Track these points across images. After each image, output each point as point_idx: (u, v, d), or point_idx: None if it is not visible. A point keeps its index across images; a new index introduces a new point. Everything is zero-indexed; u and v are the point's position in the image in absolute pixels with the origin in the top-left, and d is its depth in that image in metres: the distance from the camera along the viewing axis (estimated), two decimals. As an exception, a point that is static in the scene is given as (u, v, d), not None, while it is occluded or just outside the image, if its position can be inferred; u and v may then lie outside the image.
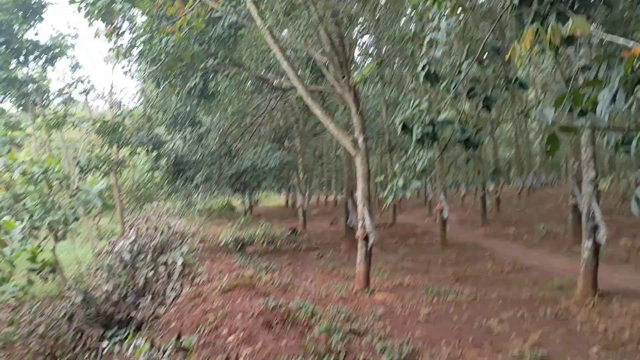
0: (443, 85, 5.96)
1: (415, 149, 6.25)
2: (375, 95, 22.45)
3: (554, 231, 18.39)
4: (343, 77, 10.73)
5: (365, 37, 14.58)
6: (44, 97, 16.26)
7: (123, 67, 13.49)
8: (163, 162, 17.06)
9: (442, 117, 5.97)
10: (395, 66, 12.95)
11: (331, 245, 19.43)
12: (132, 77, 15.43)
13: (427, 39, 5.79)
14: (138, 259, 11.76)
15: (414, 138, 5.90)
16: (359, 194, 10.89)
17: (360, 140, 10.82)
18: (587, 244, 9.30)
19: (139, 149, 15.23)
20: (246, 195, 25.52)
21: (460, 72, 5.94)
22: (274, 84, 17.62)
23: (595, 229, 9.17)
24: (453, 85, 5.88)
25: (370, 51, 10.33)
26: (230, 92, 18.91)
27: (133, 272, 11.61)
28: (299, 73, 20.82)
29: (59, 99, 17.47)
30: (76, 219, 7.69)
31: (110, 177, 17.53)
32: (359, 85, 11.04)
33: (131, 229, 13.31)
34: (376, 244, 11.43)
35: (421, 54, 5.98)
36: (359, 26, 13.60)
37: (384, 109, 25.23)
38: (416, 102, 6.07)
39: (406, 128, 6.08)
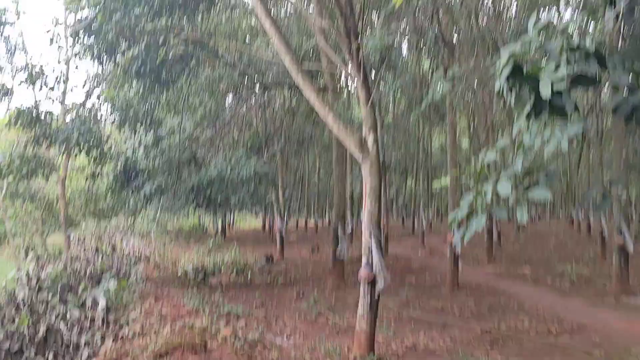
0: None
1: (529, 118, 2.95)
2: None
3: (584, 275, 15.26)
4: (350, 49, 7.48)
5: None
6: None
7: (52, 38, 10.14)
8: (109, 167, 13.65)
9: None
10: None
11: (314, 280, 15.97)
12: (69, 53, 11.88)
13: None
14: (41, 298, 8.21)
15: (545, 92, 2.62)
16: (366, 217, 7.58)
17: (370, 140, 7.57)
18: None
19: (74, 149, 11.74)
20: (217, 214, 21.95)
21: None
22: (254, 80, 14.42)
23: None
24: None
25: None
26: (199, 88, 15.61)
27: (35, 316, 8.06)
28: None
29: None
30: None
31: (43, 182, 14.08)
32: (371, 61, 7.84)
33: (27, 256, 9.76)
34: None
35: None
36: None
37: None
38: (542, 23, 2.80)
39: (519, 74, 2.79)
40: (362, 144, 7.53)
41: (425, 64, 23.46)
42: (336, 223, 14.42)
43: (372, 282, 7.51)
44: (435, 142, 40.73)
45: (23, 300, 7.83)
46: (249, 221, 52.15)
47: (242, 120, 17.94)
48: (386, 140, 26.23)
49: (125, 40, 9.51)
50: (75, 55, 11.28)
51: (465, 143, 41.11)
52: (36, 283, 8.22)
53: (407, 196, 43.20)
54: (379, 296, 7.60)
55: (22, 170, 11.72)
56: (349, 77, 7.89)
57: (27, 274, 8.39)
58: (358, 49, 7.39)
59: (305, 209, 47.56)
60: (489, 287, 14.25)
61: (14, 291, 8.01)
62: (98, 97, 13.57)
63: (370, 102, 7.56)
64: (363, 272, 7.51)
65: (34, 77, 13.05)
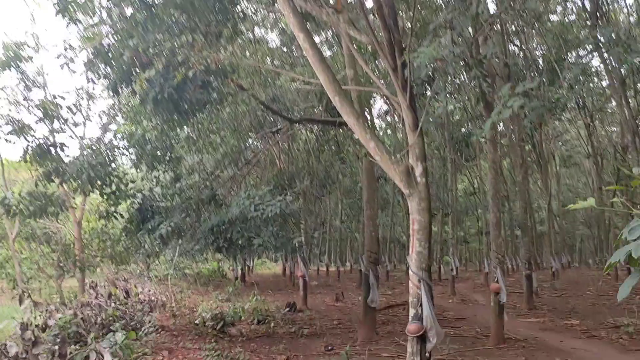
0: None
1: None
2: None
3: (641, 327, 13.76)
4: (394, 68, 6.56)
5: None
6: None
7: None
8: (124, 206, 12.81)
9: None
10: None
11: (342, 330, 14.71)
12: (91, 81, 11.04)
13: None
14: (36, 352, 7.16)
15: None
16: (414, 261, 6.47)
17: (418, 171, 6.54)
18: None
19: (85, 185, 10.90)
20: (237, 259, 20.87)
21: None
22: (280, 113, 13.65)
23: None
24: None
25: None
26: (221, 125, 14.90)
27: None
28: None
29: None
30: None
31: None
32: (419, 81, 6.92)
33: (22, 303, 8.79)
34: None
35: None
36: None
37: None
38: None
39: None
40: (409, 175, 6.51)
41: (449, 102, 22.62)
42: (367, 268, 13.25)
43: (423, 336, 6.35)
44: (459, 187, 39.65)
45: (16, 355, 6.78)
46: (268, 267, 50.95)
47: (265, 159, 17.17)
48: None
49: (142, 69, 8.75)
50: (89, 82, 10.58)
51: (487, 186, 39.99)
52: (32, 335, 7.16)
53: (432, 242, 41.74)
54: (430, 355, 6.41)
55: (30, 209, 10.93)
56: (391, 100, 6.93)
57: (22, 325, 7.36)
58: (404, 65, 6.47)
59: (327, 254, 46.43)
60: (538, 341, 12.83)
61: (6, 345, 6.98)
62: (114, 134, 12.87)
63: (418, 127, 6.58)
64: (412, 325, 6.36)
65: (50, 115, 12.36)
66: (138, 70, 8.96)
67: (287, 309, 17.68)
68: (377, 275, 13.30)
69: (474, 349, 11.91)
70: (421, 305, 6.40)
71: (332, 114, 16.23)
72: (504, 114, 5.20)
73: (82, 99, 11.69)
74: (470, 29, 9.21)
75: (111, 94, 9.68)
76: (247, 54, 15.56)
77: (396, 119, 26.87)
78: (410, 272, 6.58)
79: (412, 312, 6.48)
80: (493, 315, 12.69)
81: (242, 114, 15.95)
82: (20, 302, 8.84)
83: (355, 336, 13.23)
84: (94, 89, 10.70)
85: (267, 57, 17.13)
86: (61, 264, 21.82)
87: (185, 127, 12.53)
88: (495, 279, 12.61)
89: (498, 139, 13.63)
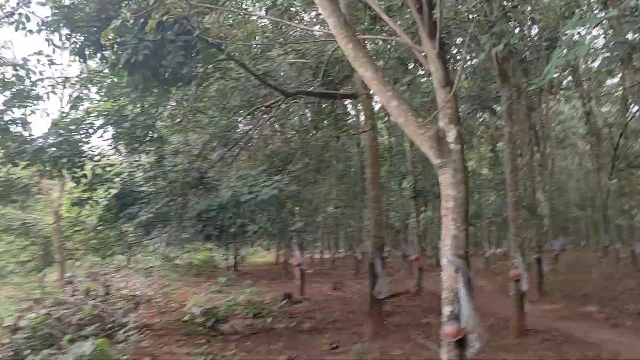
0: None
1: None
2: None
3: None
4: (419, 8, 5.28)
5: None
6: None
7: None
8: (101, 192, 11.47)
9: None
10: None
11: (345, 323, 13.51)
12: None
13: None
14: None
15: None
16: (449, 246, 5.23)
17: (451, 137, 5.29)
18: None
19: (50, 167, 9.51)
20: (228, 247, 19.58)
21: None
22: (274, 86, 12.35)
23: None
24: None
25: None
26: (208, 102, 13.56)
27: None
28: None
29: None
30: None
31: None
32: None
33: None
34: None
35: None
36: None
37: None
38: None
39: None
40: (440, 142, 5.25)
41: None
42: (372, 255, 12.03)
43: (462, 341, 5.13)
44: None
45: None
46: (260, 255, 49.70)
47: (257, 138, 15.89)
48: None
49: (108, 21, 7.37)
50: (50, 45, 9.06)
51: (484, 171, 39.07)
52: None
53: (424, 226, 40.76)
54: (473, 363, 5.20)
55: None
56: (415, 51, 5.67)
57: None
58: (432, 5, 5.19)
59: (321, 241, 45.41)
60: (561, 332, 11.71)
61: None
62: (87, 109, 11.36)
63: (450, 83, 5.33)
64: (449, 327, 5.13)
65: (10, 88, 10.76)
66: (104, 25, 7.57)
67: (284, 301, 16.43)
68: (383, 263, 12.09)
69: (494, 343, 10.74)
70: (459, 300, 5.18)
71: (330, 89, 14.95)
72: (580, 51, 3.93)
73: (43, 65, 10.22)
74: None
75: (77, 59, 8.32)
76: (235, 29, 14.23)
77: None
78: (443, 261, 5.35)
79: (446, 310, 5.25)
80: (514, 305, 11.52)
81: (231, 89, 14.63)
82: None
83: (361, 330, 12.05)
84: (54, 52, 9.17)
85: (257, 34, 15.80)
86: (39, 257, 20.45)
87: (168, 103, 11.21)
88: (515, 265, 11.43)
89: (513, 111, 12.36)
